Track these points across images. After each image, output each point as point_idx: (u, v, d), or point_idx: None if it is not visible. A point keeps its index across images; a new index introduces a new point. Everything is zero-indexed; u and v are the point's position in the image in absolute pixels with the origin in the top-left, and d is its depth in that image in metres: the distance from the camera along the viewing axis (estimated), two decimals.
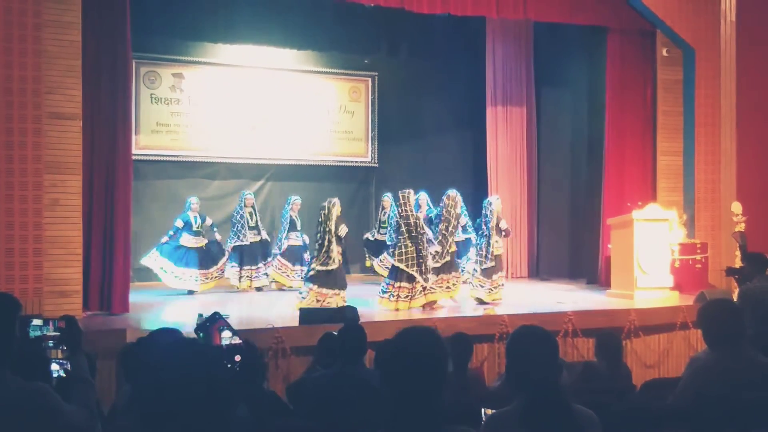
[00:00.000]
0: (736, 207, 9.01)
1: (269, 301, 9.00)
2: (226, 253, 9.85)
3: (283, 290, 9.91)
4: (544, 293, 9.63)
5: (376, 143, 12.48)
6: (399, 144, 12.42)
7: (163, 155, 11.17)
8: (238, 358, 2.22)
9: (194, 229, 9.66)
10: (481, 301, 8.32)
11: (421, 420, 1.88)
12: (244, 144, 11.57)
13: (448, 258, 8.33)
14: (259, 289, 9.98)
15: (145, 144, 10.98)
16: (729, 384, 3.21)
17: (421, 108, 12.60)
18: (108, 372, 5.55)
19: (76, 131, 7.37)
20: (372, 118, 12.47)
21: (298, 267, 10.05)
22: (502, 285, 8.53)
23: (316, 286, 7.86)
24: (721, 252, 9.62)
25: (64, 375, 3.10)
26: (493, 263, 8.33)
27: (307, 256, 9.91)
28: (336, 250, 7.97)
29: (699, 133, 9.96)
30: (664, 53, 10.06)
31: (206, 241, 9.81)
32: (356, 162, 12.40)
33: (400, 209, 8.08)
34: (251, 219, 10.07)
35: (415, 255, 7.85)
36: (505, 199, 11.20)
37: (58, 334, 2.80)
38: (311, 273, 7.98)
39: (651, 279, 8.71)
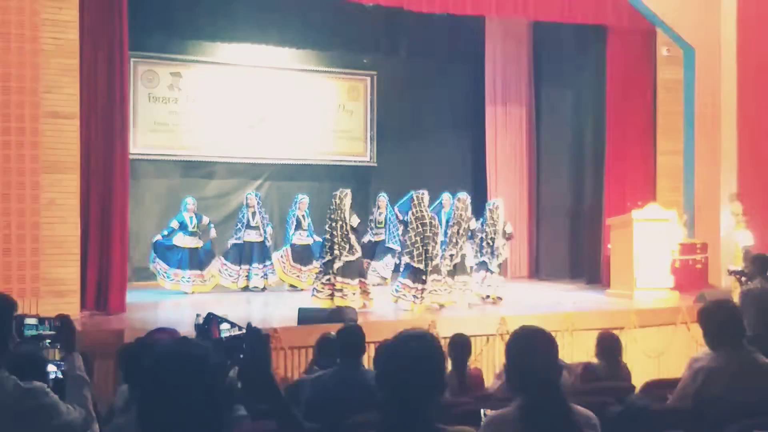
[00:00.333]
0: (737, 207, 9.01)
1: (265, 301, 8.99)
2: (216, 255, 9.83)
3: (295, 290, 9.85)
4: (543, 293, 9.62)
5: (375, 143, 12.47)
6: (398, 143, 12.41)
7: (160, 154, 11.15)
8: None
9: (190, 229, 9.64)
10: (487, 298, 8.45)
11: (415, 422, 1.86)
12: (242, 143, 11.55)
13: (458, 260, 8.39)
14: (258, 288, 9.94)
15: (142, 143, 10.96)
16: (729, 384, 3.20)
17: (420, 107, 12.58)
18: (106, 372, 5.53)
19: (73, 130, 7.34)
20: (371, 117, 12.46)
21: (309, 267, 10.00)
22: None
23: (339, 277, 7.73)
24: (721, 252, 9.60)
25: (62, 377, 3.08)
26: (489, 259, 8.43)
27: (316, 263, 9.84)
28: (354, 239, 7.90)
29: (699, 132, 9.95)
30: (665, 53, 10.06)
31: (202, 242, 9.79)
32: (355, 161, 12.39)
33: (414, 209, 8.08)
34: (252, 219, 10.04)
35: (424, 255, 7.83)
36: (505, 199, 11.14)
37: (53, 333, 2.78)
38: (334, 265, 7.74)
39: (651, 279, 8.70)
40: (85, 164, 7.59)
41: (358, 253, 7.90)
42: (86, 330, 6.37)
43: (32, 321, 2.78)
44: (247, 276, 9.90)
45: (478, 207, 9.31)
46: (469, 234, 8.63)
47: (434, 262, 7.86)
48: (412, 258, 7.87)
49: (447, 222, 9.02)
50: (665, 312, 7.92)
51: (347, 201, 7.93)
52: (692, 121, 9.99)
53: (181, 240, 9.57)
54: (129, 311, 7.75)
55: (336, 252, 7.71)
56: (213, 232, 9.90)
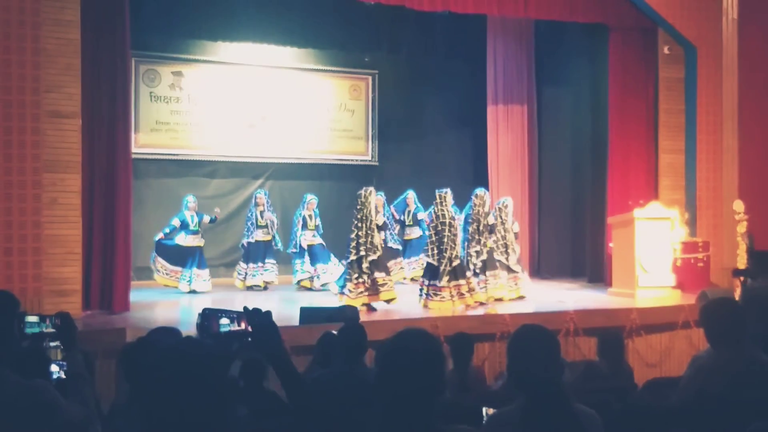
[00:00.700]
0: (738, 205, 8.99)
1: (266, 300, 8.98)
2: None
3: (305, 290, 9.89)
4: (545, 292, 9.61)
5: (377, 142, 12.46)
6: (399, 142, 12.40)
7: (162, 154, 11.16)
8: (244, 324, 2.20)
9: (191, 228, 9.65)
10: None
11: (415, 421, 1.86)
12: (243, 142, 11.55)
13: (485, 256, 8.46)
14: (260, 287, 9.94)
15: (144, 142, 10.97)
16: (731, 383, 3.19)
17: (422, 106, 12.58)
18: (108, 371, 5.53)
19: (74, 130, 7.35)
20: (372, 116, 12.46)
21: (320, 266, 10.01)
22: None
23: (376, 272, 7.74)
24: (723, 251, 9.59)
25: (64, 377, 3.08)
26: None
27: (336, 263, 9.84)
28: (378, 238, 7.90)
29: (701, 131, 9.94)
30: (666, 51, 10.04)
31: (204, 240, 9.80)
32: (356, 160, 12.38)
33: (436, 208, 8.11)
34: (261, 218, 10.05)
35: (441, 254, 7.85)
36: (501, 197, 11.18)
37: (54, 331, 2.80)
38: (362, 264, 7.71)
39: (652, 278, 8.69)
40: (88, 164, 7.60)
41: (380, 252, 7.89)
42: (88, 329, 6.37)
43: (33, 319, 2.80)
44: (253, 274, 9.93)
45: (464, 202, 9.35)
46: (489, 229, 8.66)
47: (454, 263, 7.86)
48: (428, 255, 7.98)
49: (465, 219, 9.03)
50: (667, 311, 7.91)
51: (372, 199, 7.94)
52: (694, 120, 9.98)
53: (182, 239, 9.58)
54: (133, 310, 7.76)
55: (362, 252, 7.70)
56: (206, 219, 9.85)
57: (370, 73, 12.43)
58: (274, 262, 10.11)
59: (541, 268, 12.21)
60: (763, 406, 3.01)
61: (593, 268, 10.72)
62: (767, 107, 9.92)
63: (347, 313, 6.69)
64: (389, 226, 10.52)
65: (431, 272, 7.92)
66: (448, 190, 8.20)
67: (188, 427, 1.56)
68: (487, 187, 11.87)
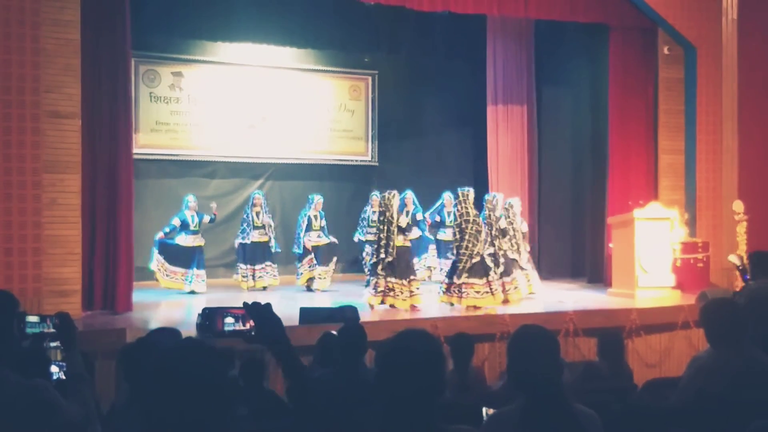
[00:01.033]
0: (738, 206, 8.99)
1: (266, 300, 8.96)
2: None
3: (309, 290, 9.89)
4: (545, 292, 9.61)
5: (376, 142, 12.46)
6: (399, 143, 12.40)
7: (162, 154, 11.16)
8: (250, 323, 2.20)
9: (191, 228, 9.65)
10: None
11: (415, 422, 1.86)
12: (243, 143, 11.55)
13: (503, 259, 8.47)
14: (259, 289, 9.95)
15: (144, 143, 10.97)
16: (731, 383, 3.19)
17: (422, 106, 12.57)
18: (108, 371, 5.53)
19: (74, 130, 7.35)
20: (372, 116, 12.46)
21: (328, 266, 10.02)
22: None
23: (382, 279, 7.79)
24: (723, 251, 9.59)
25: (64, 377, 3.09)
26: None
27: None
28: (395, 242, 7.91)
29: (701, 131, 9.94)
30: (666, 51, 10.04)
31: (204, 240, 9.79)
32: (356, 161, 12.38)
33: (459, 206, 8.15)
34: (257, 219, 10.05)
35: (460, 250, 7.88)
36: (506, 198, 11.18)
37: (55, 331, 2.80)
38: (379, 266, 7.81)
39: (652, 278, 8.69)
40: (89, 164, 7.60)
41: (393, 255, 7.89)
42: (88, 330, 6.37)
43: (34, 319, 2.81)
44: (252, 275, 9.94)
45: (479, 206, 9.30)
46: (502, 233, 8.66)
47: (474, 260, 7.87)
48: (453, 255, 8.12)
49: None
50: (667, 311, 7.90)
51: (395, 202, 8.02)
52: (694, 120, 9.98)
53: (183, 239, 9.58)
54: (134, 311, 7.76)
55: (382, 254, 7.80)
56: (206, 219, 9.85)
57: (369, 74, 12.43)
58: (272, 264, 10.11)
59: (540, 268, 12.20)
60: (763, 406, 3.01)
61: (593, 268, 10.72)
62: (767, 107, 9.93)
63: (347, 313, 6.69)
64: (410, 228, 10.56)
65: (452, 269, 8.03)
66: (471, 189, 8.28)
67: (188, 427, 1.56)
68: (486, 187, 11.89)
